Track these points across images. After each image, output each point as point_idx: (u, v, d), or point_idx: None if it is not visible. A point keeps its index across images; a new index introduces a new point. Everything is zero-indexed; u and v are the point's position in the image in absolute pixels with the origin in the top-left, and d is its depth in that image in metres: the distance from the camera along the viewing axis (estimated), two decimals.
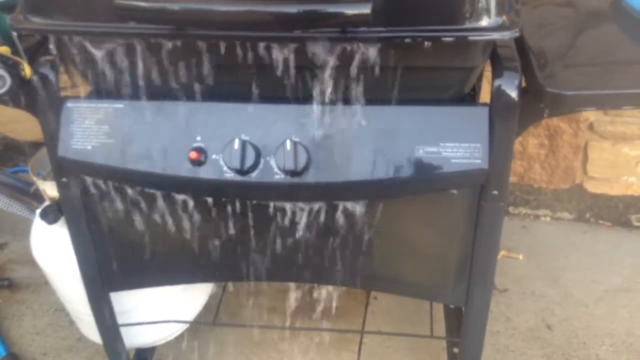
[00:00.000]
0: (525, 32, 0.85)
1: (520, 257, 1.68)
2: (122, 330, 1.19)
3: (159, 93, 0.86)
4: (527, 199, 1.81)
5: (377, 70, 0.78)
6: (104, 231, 1.02)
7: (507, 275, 1.62)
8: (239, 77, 0.83)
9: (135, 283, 1.11)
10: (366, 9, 0.68)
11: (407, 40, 0.74)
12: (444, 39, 0.74)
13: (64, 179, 0.96)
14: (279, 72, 0.80)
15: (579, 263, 1.66)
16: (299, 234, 0.96)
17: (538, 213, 1.82)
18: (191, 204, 0.94)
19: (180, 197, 0.94)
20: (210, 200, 0.93)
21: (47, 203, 1.11)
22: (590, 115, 1.60)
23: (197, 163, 0.86)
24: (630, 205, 1.75)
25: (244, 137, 0.85)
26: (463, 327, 1.07)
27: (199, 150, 0.86)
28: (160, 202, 0.95)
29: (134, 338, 1.24)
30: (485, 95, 0.89)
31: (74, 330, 1.42)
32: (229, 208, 0.94)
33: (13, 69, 0.85)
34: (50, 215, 1.09)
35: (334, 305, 1.51)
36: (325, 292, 1.47)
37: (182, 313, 1.29)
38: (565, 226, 1.80)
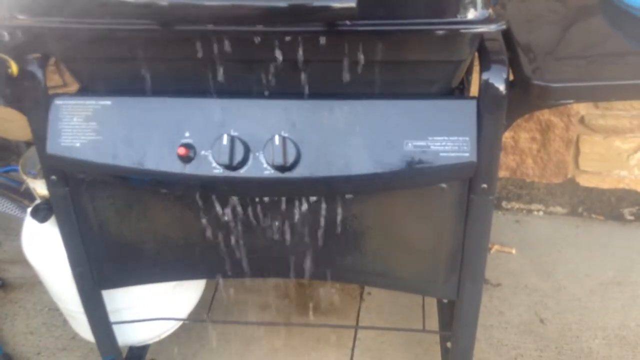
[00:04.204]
0: (513, 26, 0.85)
1: (514, 251, 1.69)
2: (115, 328, 1.18)
3: (147, 89, 0.86)
4: (519, 194, 1.81)
5: (364, 64, 0.78)
6: (95, 229, 1.01)
7: (500, 269, 1.62)
8: (227, 72, 0.83)
9: (126, 281, 1.11)
10: (352, 2, 0.68)
11: (393, 33, 0.74)
12: (430, 32, 0.74)
13: (53, 177, 0.95)
14: (266, 67, 0.80)
15: (571, 257, 1.66)
16: (290, 229, 0.96)
17: (531, 207, 1.83)
18: (180, 200, 0.94)
19: (169, 194, 0.94)
20: (199, 196, 0.93)
21: (37, 201, 1.11)
22: (582, 108, 1.60)
23: (186, 159, 0.86)
24: (623, 198, 1.75)
25: (232, 133, 0.85)
26: (455, 320, 1.08)
27: (188, 146, 0.85)
28: (150, 199, 0.95)
29: (127, 336, 1.24)
30: (476, 89, 0.89)
31: (67, 329, 1.42)
32: (219, 204, 0.94)
33: None
34: (41, 214, 1.09)
35: (328, 300, 1.52)
36: (318, 288, 1.48)
37: (175, 310, 1.29)
38: (558, 220, 1.80)
